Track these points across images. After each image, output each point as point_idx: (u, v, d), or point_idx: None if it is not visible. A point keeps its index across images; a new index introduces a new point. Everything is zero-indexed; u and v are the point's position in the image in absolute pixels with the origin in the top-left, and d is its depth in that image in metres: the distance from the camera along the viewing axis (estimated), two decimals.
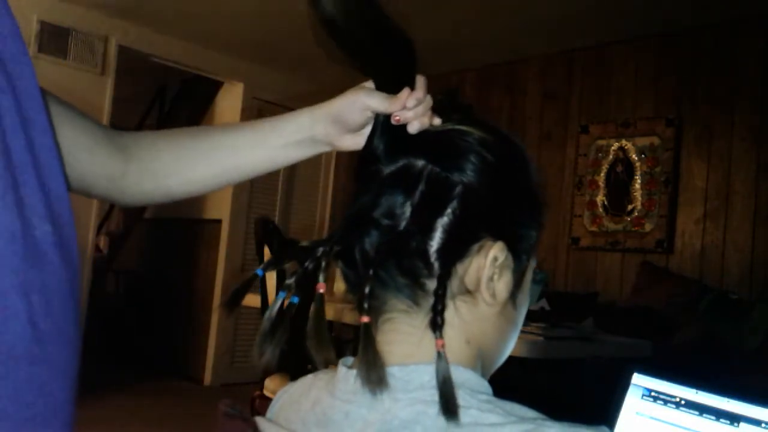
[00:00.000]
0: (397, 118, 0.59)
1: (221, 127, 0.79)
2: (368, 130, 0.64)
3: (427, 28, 3.78)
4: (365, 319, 0.47)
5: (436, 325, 0.48)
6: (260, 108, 4.86)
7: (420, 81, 0.61)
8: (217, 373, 4.66)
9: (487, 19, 3.65)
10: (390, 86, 0.61)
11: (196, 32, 4.25)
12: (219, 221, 4.77)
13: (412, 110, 0.59)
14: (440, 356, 0.46)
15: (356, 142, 0.70)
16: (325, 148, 0.74)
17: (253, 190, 4.83)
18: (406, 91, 0.60)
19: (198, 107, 5.20)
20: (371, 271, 0.49)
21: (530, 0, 3.39)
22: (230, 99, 4.88)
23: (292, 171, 5.04)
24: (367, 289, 0.49)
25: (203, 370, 4.68)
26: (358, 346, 0.47)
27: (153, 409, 3.86)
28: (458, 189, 0.52)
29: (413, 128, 0.56)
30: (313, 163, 5.04)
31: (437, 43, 3.93)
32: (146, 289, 5.34)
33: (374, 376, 0.46)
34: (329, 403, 0.52)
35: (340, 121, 0.69)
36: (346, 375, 0.52)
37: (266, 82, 4.87)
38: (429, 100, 0.60)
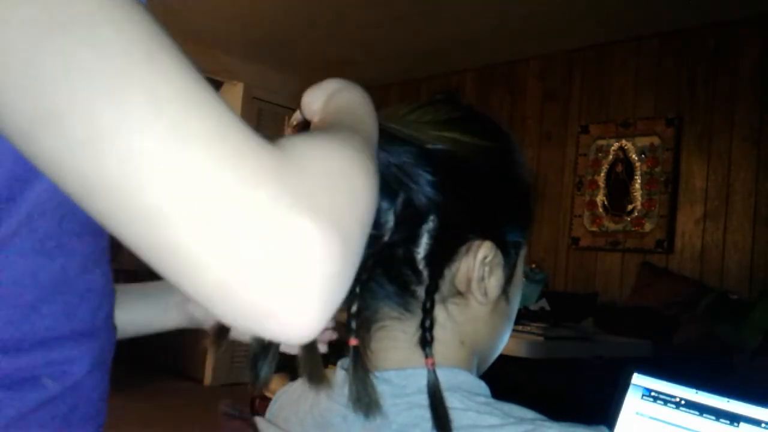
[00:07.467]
0: None
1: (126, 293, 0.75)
2: None
3: (427, 28, 3.78)
4: (353, 341, 0.45)
5: (426, 342, 0.47)
6: (260, 108, 4.86)
7: None
8: (217, 373, 4.66)
9: (487, 19, 3.65)
10: None
11: (195, 32, 4.25)
12: None
13: None
14: (430, 374, 0.45)
15: None
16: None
17: None
18: None
19: None
20: (357, 289, 0.47)
21: (530, 0, 3.39)
22: (230, 99, 4.87)
23: None
24: (354, 308, 0.46)
25: (203, 370, 4.68)
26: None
27: (153, 409, 3.86)
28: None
29: None
30: None
31: (437, 43, 3.93)
32: None
33: (365, 398, 0.44)
34: (327, 406, 0.52)
35: None
36: (344, 378, 0.51)
37: (266, 82, 4.86)
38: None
